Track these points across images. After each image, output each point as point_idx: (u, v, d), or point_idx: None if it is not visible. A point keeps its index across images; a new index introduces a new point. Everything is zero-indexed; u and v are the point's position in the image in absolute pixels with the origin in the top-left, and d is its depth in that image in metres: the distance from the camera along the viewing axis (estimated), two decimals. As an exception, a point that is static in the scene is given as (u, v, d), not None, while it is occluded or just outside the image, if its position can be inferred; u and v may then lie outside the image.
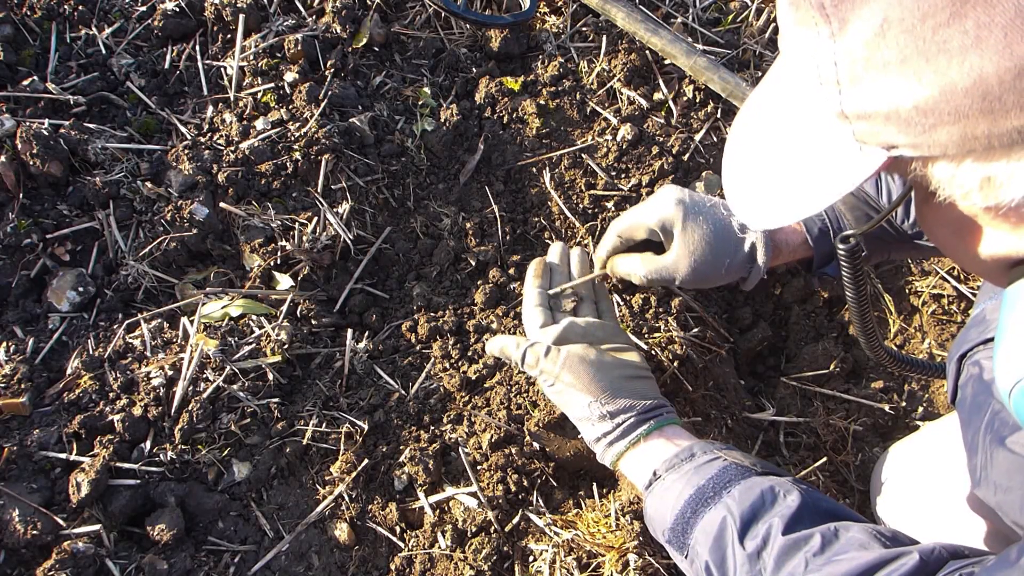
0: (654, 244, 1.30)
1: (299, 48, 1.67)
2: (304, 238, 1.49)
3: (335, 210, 1.54)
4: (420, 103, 1.70)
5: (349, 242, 1.53)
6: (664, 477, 1.01)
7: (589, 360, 1.12)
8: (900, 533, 0.84)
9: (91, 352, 1.39)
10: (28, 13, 1.72)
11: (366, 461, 1.30)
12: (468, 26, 1.82)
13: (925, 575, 0.75)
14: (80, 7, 1.75)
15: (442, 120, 1.66)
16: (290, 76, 1.66)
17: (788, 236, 1.22)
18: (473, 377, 1.39)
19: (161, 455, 1.28)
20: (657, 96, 1.75)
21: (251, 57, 1.68)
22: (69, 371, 1.37)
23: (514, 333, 1.47)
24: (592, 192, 1.61)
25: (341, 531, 1.25)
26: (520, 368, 1.17)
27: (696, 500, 0.94)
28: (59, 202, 1.53)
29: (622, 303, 1.49)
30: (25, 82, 1.62)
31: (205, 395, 1.31)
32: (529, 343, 1.17)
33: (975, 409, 0.83)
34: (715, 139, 1.72)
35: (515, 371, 1.39)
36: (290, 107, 1.63)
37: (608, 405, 1.09)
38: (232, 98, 1.66)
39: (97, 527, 1.20)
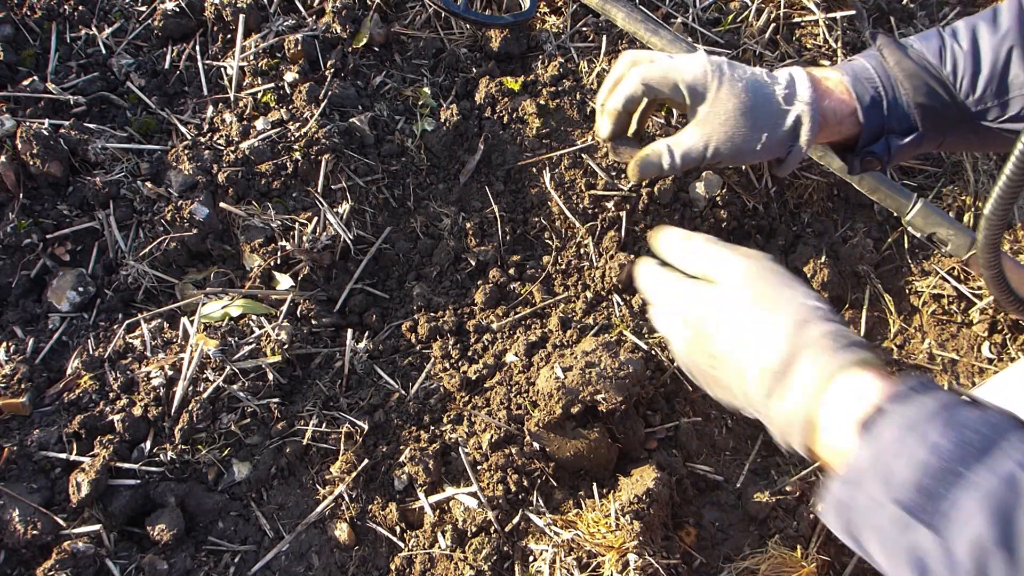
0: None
1: (299, 48, 1.67)
2: (304, 238, 1.49)
3: (335, 210, 1.54)
4: (420, 103, 1.70)
5: (349, 242, 1.53)
6: (893, 413, 0.68)
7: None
8: None
9: (91, 352, 1.39)
10: (28, 13, 1.72)
11: (366, 461, 1.30)
12: (468, 26, 1.82)
13: None
14: (80, 7, 1.75)
15: (442, 120, 1.66)
16: (290, 76, 1.66)
17: (836, 105, 1.06)
18: (473, 377, 1.39)
19: (161, 455, 1.28)
20: (657, 96, 1.75)
21: (251, 57, 1.68)
22: (69, 371, 1.37)
23: (516, 337, 1.47)
24: (592, 192, 1.61)
25: (341, 531, 1.25)
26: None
27: (960, 452, 0.63)
28: (59, 202, 1.53)
29: (622, 303, 1.49)
30: (25, 82, 1.62)
31: (205, 395, 1.31)
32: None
33: None
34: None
35: (516, 371, 1.39)
36: (290, 107, 1.63)
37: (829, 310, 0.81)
38: (232, 98, 1.66)
39: (97, 527, 1.20)
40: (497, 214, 1.60)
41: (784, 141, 1.05)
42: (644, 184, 1.61)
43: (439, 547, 1.23)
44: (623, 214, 1.58)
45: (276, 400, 1.35)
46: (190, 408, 1.30)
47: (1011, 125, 1.00)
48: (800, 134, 1.04)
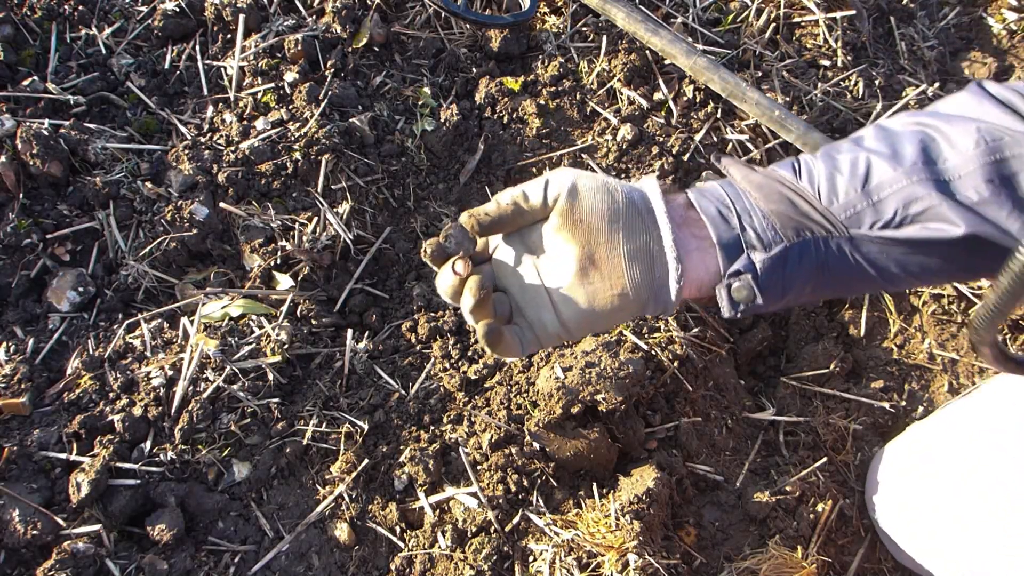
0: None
1: (299, 48, 1.67)
2: (304, 238, 1.49)
3: (335, 210, 1.54)
4: (420, 103, 1.70)
5: (349, 242, 1.53)
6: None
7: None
8: None
9: (91, 352, 1.39)
10: (28, 13, 1.72)
11: (366, 461, 1.30)
12: (468, 26, 1.82)
13: None
14: (80, 7, 1.75)
15: (442, 120, 1.66)
16: (290, 76, 1.66)
17: (681, 211, 0.85)
18: (473, 377, 1.39)
19: (161, 455, 1.28)
20: (657, 96, 1.75)
21: (251, 57, 1.68)
22: (69, 371, 1.37)
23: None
24: (592, 192, 1.61)
25: (341, 531, 1.25)
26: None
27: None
28: (59, 202, 1.53)
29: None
30: (25, 82, 1.62)
31: (205, 395, 1.31)
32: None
33: None
34: (715, 139, 1.72)
35: (516, 371, 1.39)
36: (290, 107, 1.63)
37: None
38: (232, 98, 1.66)
39: (97, 527, 1.20)
40: (497, 214, 1.59)
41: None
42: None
43: (439, 547, 1.23)
44: (623, 214, 1.58)
45: (276, 400, 1.35)
46: (190, 408, 1.30)
47: (893, 233, 0.78)
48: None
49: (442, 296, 0.86)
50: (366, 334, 1.48)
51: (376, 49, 1.77)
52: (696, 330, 1.49)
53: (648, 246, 0.80)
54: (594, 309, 0.82)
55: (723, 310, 0.82)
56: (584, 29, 1.83)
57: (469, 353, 1.44)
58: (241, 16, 1.68)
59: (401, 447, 1.33)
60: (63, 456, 1.26)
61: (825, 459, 1.45)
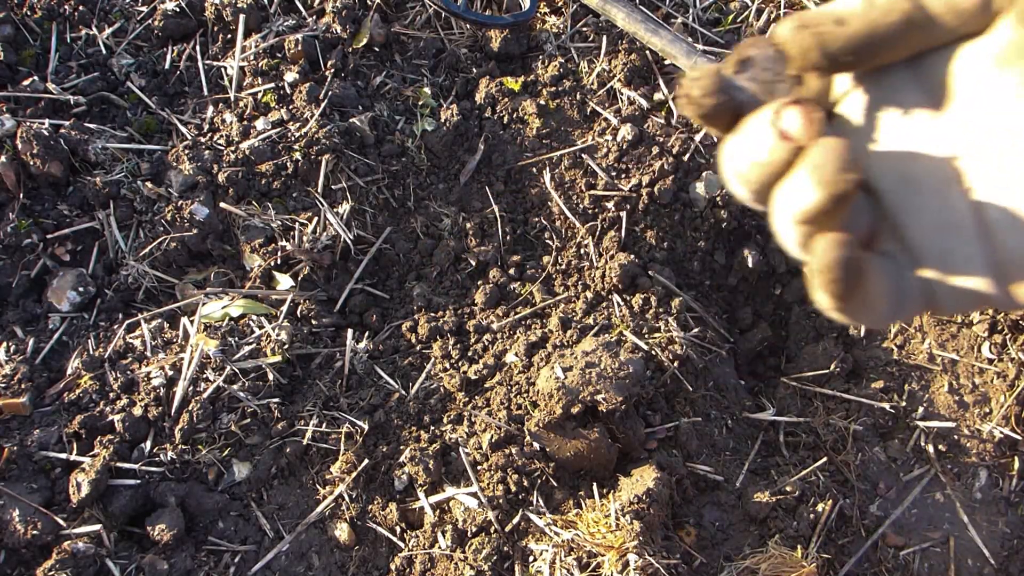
0: None
1: (299, 48, 1.67)
2: (304, 238, 1.49)
3: (335, 210, 1.54)
4: (420, 103, 1.70)
5: (349, 242, 1.53)
6: None
7: None
8: None
9: (91, 352, 1.39)
10: (28, 13, 1.72)
11: (366, 461, 1.30)
12: (468, 26, 1.82)
13: None
14: (80, 7, 1.75)
15: (442, 120, 1.66)
16: (290, 76, 1.66)
17: None
18: (473, 377, 1.39)
19: (161, 455, 1.28)
20: (657, 96, 1.75)
21: (251, 57, 1.68)
22: (69, 371, 1.37)
23: (516, 337, 1.47)
24: (592, 192, 1.61)
25: (341, 531, 1.25)
26: None
27: None
28: (59, 202, 1.53)
29: (622, 303, 1.49)
30: (25, 82, 1.62)
31: (205, 395, 1.31)
32: None
33: None
34: (715, 139, 1.72)
35: (516, 371, 1.39)
36: (290, 107, 1.63)
37: None
38: (232, 98, 1.66)
39: (97, 527, 1.20)
40: (497, 214, 1.60)
41: None
42: (644, 185, 1.61)
43: (439, 547, 1.23)
44: (623, 214, 1.58)
45: (276, 400, 1.35)
46: (190, 408, 1.30)
47: None
48: None
49: (731, 183, 0.43)
50: (366, 334, 1.48)
51: (376, 49, 1.77)
52: (696, 330, 1.49)
53: None
54: None
55: None
56: (584, 29, 1.83)
57: (469, 353, 1.44)
58: (241, 16, 1.68)
59: (401, 447, 1.33)
60: (63, 456, 1.26)
61: (825, 459, 1.45)
